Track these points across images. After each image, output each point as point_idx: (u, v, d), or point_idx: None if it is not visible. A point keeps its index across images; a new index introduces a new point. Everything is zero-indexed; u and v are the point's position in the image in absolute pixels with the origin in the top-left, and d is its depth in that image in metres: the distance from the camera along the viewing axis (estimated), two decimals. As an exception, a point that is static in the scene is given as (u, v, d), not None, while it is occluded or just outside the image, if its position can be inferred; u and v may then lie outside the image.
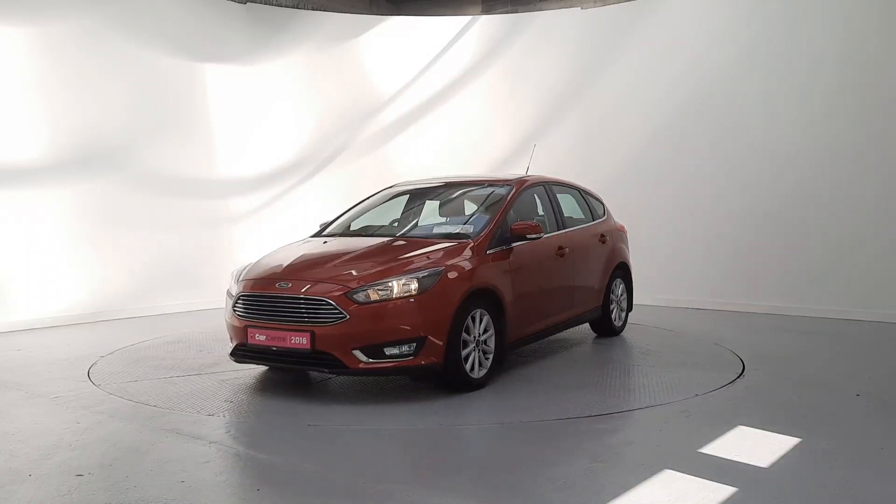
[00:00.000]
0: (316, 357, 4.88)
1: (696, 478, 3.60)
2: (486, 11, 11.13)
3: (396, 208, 6.71)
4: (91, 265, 8.58)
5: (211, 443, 4.16)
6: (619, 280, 7.33)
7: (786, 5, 8.70)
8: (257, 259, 5.76)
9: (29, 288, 8.09)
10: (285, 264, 5.38)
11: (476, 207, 6.38)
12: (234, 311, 5.27)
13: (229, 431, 4.41)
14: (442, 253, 5.31)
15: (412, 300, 4.92)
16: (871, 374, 5.79)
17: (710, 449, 4.03)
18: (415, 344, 4.90)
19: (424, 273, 5.03)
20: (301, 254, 5.59)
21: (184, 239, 9.35)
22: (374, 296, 4.88)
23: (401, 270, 5.06)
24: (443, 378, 5.16)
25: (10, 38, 8.03)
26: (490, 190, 6.44)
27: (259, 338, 5.06)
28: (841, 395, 5.17)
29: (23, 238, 8.06)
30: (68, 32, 8.45)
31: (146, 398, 5.13)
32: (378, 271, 5.06)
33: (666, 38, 9.51)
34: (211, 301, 9.48)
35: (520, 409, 4.85)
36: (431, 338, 4.93)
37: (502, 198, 6.09)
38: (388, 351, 4.88)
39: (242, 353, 5.26)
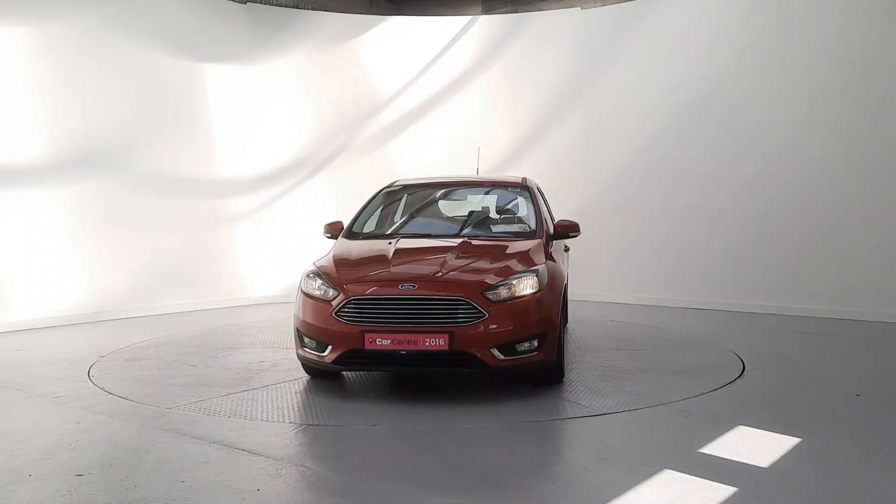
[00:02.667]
0: (454, 357, 4.83)
1: (696, 478, 3.60)
2: (486, 11, 11.12)
3: (416, 207, 6.79)
4: (91, 265, 8.58)
5: (211, 443, 4.16)
6: None
7: (785, 6, 8.70)
8: (328, 263, 5.43)
9: (29, 288, 8.09)
10: (390, 266, 5.24)
11: (510, 206, 6.60)
12: (340, 316, 4.96)
13: (229, 431, 4.40)
14: (536, 250, 5.52)
15: (537, 296, 5.06)
16: (871, 374, 5.79)
17: (710, 449, 4.03)
18: (537, 339, 5.02)
19: (539, 269, 5.21)
20: (390, 255, 5.42)
21: (184, 239, 9.34)
22: (504, 293, 4.96)
23: (518, 268, 5.18)
24: (551, 372, 5.31)
25: (11, 39, 8.03)
26: (508, 190, 6.77)
27: (382, 342, 4.80)
28: (841, 395, 5.17)
29: (23, 238, 8.06)
30: (69, 33, 8.45)
31: (146, 398, 5.13)
32: (499, 269, 5.15)
33: (666, 38, 9.51)
34: (211, 301, 9.50)
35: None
36: (550, 332, 5.10)
37: (528, 197, 6.42)
38: (519, 347, 4.97)
39: (354, 358, 4.99)
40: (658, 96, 9.56)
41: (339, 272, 5.24)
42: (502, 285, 4.98)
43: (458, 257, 5.39)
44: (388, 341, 4.81)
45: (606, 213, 9.53)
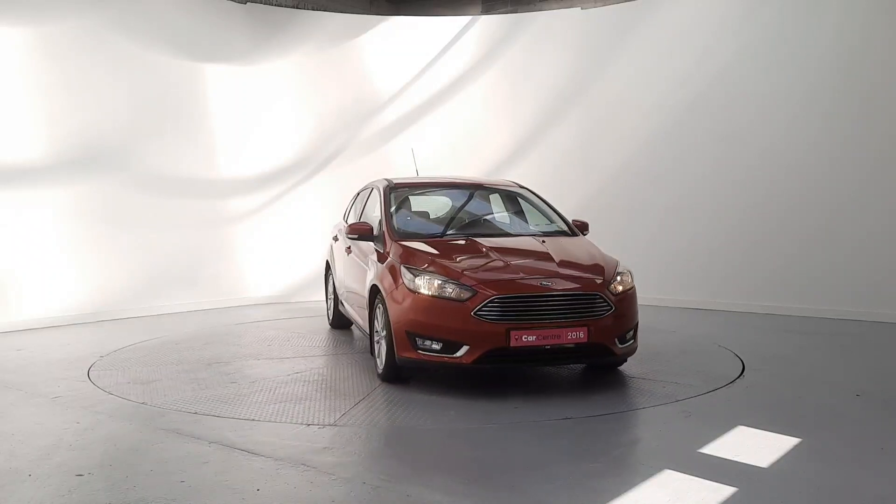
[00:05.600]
0: (591, 349, 5.12)
1: (696, 478, 3.60)
2: (486, 11, 11.12)
3: (429, 207, 6.82)
4: (91, 265, 8.58)
5: (211, 443, 4.16)
6: None
7: (785, 5, 8.70)
8: (431, 264, 5.33)
9: (29, 288, 8.09)
10: (511, 263, 5.35)
11: (522, 207, 6.80)
12: (480, 315, 4.96)
13: (229, 431, 4.40)
14: (595, 247, 5.88)
15: (635, 288, 5.53)
16: (871, 374, 5.79)
17: (710, 449, 4.03)
18: (634, 329, 5.46)
19: (621, 263, 5.62)
20: (492, 253, 5.49)
21: (184, 239, 9.34)
22: (619, 287, 5.33)
23: (605, 263, 5.53)
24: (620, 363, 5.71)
25: (11, 39, 8.03)
26: (509, 192, 6.94)
27: (528, 339, 4.92)
28: (841, 395, 5.17)
29: (23, 238, 8.06)
30: (69, 33, 8.45)
31: (146, 398, 5.13)
32: (595, 265, 5.47)
33: (666, 38, 9.51)
34: (211, 301, 9.50)
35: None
36: (638, 322, 5.52)
37: (537, 199, 6.76)
38: (627, 336, 5.37)
39: (499, 357, 4.99)
40: (658, 96, 9.56)
41: (464, 271, 5.20)
42: (617, 280, 5.35)
43: (553, 254, 5.57)
44: (534, 337, 4.94)
45: (606, 212, 9.52)
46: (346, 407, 4.94)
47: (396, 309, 5.24)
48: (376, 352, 5.66)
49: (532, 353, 5.01)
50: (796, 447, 4.05)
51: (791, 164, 8.55)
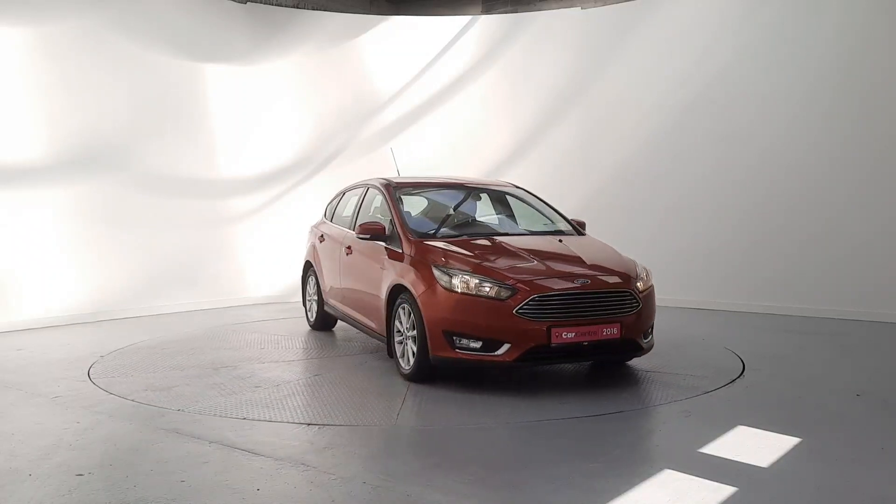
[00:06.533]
0: (623, 345, 5.31)
1: (696, 478, 3.60)
2: (486, 11, 11.12)
3: (444, 208, 6.82)
4: (91, 265, 8.58)
5: (211, 443, 4.16)
6: None
7: (785, 5, 8.70)
8: (468, 263, 5.36)
9: (29, 288, 8.09)
10: (545, 262, 5.44)
11: (525, 207, 6.88)
12: (522, 313, 5.03)
13: (229, 431, 4.40)
14: (609, 247, 6.06)
15: (653, 286, 5.71)
16: (871, 374, 5.79)
17: (710, 449, 4.03)
18: (652, 326, 5.66)
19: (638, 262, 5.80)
20: (520, 252, 5.61)
21: (184, 239, 9.34)
22: (641, 285, 5.50)
23: (623, 261, 5.70)
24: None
25: (11, 39, 8.03)
26: (511, 192, 7.04)
27: (567, 336, 5.05)
28: (841, 395, 5.17)
29: (23, 238, 8.06)
30: (69, 33, 8.45)
31: (146, 398, 5.13)
32: (617, 262, 5.63)
33: (666, 38, 9.51)
34: (211, 301, 9.50)
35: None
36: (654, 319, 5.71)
37: (531, 200, 6.91)
38: (648, 332, 5.58)
39: (541, 354, 5.08)
40: (658, 96, 9.56)
41: (502, 271, 5.26)
42: (640, 278, 5.53)
43: (579, 253, 5.69)
44: (573, 334, 5.07)
45: (606, 212, 9.52)
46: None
47: (431, 308, 5.26)
48: (399, 352, 5.67)
49: (570, 350, 5.15)
50: (796, 447, 4.05)
51: (791, 163, 8.55)
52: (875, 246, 7.99)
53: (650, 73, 9.63)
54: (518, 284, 5.12)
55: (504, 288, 5.11)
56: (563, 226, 6.59)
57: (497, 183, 7.41)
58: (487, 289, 5.14)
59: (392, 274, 5.79)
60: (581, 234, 6.48)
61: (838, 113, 8.28)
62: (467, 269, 5.30)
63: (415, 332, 5.40)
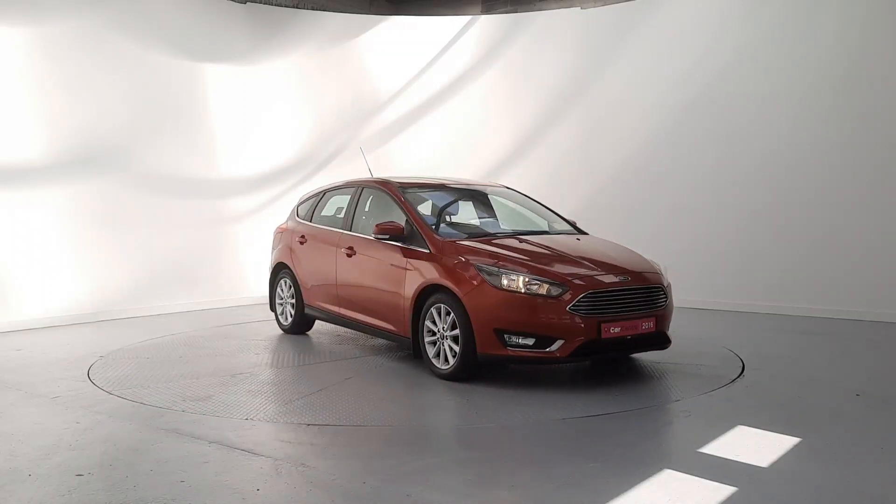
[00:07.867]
0: (657, 338, 5.56)
1: (696, 478, 3.60)
2: (486, 11, 11.12)
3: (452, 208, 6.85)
4: (91, 265, 8.58)
5: (211, 443, 4.16)
6: None
7: (785, 5, 8.70)
8: (515, 262, 5.44)
9: (29, 288, 8.09)
10: (586, 260, 5.57)
11: (527, 209, 6.97)
12: (576, 310, 5.14)
13: (229, 431, 4.40)
14: (623, 247, 6.21)
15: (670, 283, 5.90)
16: (871, 374, 5.79)
17: (710, 449, 4.03)
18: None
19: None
20: (560, 251, 5.76)
21: (184, 239, 9.34)
22: (664, 281, 5.73)
23: (640, 258, 5.92)
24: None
25: (11, 39, 8.03)
26: (511, 193, 7.17)
27: (614, 330, 5.25)
28: (841, 395, 5.17)
29: (23, 238, 8.06)
30: (69, 33, 8.45)
31: (146, 398, 5.13)
32: (634, 260, 5.81)
33: (666, 38, 9.51)
34: (211, 301, 9.50)
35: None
36: None
37: (523, 198, 7.06)
38: (669, 325, 5.77)
39: (592, 348, 5.21)
40: (658, 96, 9.56)
41: (548, 269, 5.37)
42: (662, 274, 5.79)
43: (608, 252, 5.89)
44: (619, 329, 5.28)
45: (606, 212, 9.52)
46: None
47: (479, 307, 5.29)
48: (432, 352, 5.67)
49: (616, 344, 5.35)
50: (796, 447, 4.05)
51: (791, 164, 8.55)
52: (875, 246, 8.00)
53: (650, 73, 9.63)
54: (569, 282, 5.23)
55: (555, 285, 5.20)
56: (564, 226, 6.69)
57: (490, 184, 7.50)
58: (535, 286, 5.21)
59: (421, 274, 5.76)
60: (584, 233, 6.57)
61: (838, 113, 8.28)
62: (518, 267, 5.35)
63: (455, 331, 5.41)
